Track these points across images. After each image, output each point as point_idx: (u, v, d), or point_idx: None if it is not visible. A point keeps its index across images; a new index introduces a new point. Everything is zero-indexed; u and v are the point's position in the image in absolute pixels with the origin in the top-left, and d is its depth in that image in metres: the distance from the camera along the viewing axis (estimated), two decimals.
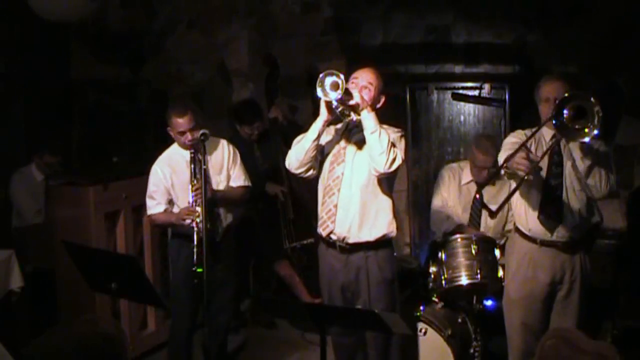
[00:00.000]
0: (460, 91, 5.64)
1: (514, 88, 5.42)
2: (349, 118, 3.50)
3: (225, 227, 4.15)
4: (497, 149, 4.09)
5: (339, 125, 3.66)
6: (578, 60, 5.47)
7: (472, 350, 4.08)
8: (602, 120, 3.11)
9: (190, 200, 3.90)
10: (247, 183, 4.25)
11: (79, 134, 6.59)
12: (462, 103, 5.66)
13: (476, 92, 5.59)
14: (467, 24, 5.76)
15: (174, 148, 4.12)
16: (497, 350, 4.17)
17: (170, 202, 4.10)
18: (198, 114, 4.05)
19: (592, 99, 3.13)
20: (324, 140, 3.60)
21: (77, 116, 6.59)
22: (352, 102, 3.37)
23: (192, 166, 3.92)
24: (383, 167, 3.38)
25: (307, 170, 3.59)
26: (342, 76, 3.24)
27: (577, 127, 3.18)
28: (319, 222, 3.64)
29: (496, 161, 4.23)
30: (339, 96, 3.25)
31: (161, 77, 6.50)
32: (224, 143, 4.20)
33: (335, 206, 3.57)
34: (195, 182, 3.90)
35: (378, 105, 3.56)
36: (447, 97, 5.70)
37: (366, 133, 3.40)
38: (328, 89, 3.26)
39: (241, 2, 6.26)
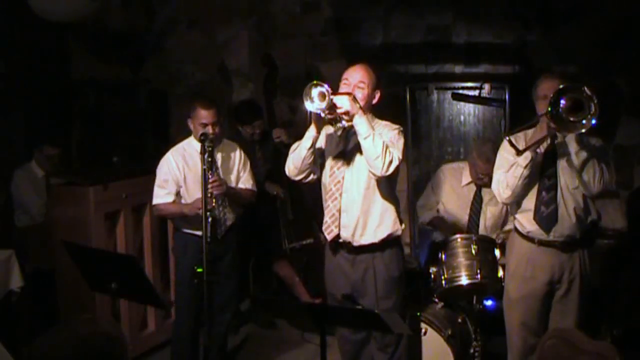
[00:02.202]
0: (460, 91, 5.64)
1: (514, 88, 5.42)
2: (341, 125, 3.49)
3: (228, 227, 4.17)
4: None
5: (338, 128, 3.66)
6: (578, 60, 5.47)
7: (472, 350, 4.09)
8: (598, 111, 3.13)
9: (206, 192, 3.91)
10: (254, 188, 4.33)
11: (79, 134, 6.59)
12: (462, 103, 5.66)
13: (476, 92, 5.59)
14: (467, 24, 5.76)
15: (188, 141, 4.17)
16: (497, 350, 4.17)
17: (177, 194, 4.12)
18: (222, 117, 4.12)
19: (586, 90, 3.15)
20: (323, 143, 3.60)
21: (77, 116, 6.59)
22: (342, 110, 3.36)
23: (209, 159, 3.90)
24: (380, 171, 3.37)
25: (307, 177, 3.61)
26: (326, 86, 3.26)
27: (573, 119, 3.20)
28: (324, 227, 3.65)
29: None
30: (325, 107, 3.27)
31: (161, 77, 6.50)
32: (237, 147, 4.29)
33: (339, 211, 3.57)
34: (210, 176, 3.90)
35: (374, 102, 3.55)
36: (447, 97, 5.70)
37: (360, 139, 3.38)
38: (316, 100, 3.28)
39: (241, 2, 6.26)
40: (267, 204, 5.23)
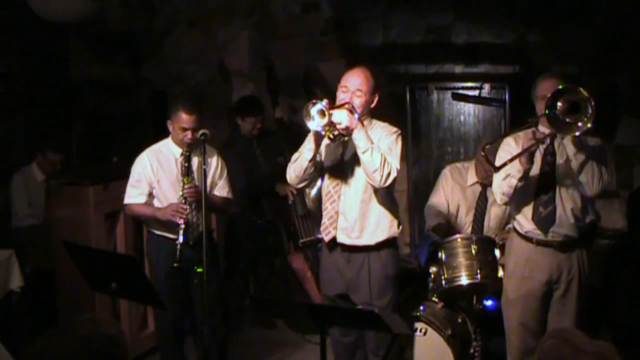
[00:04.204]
0: (460, 91, 5.64)
1: (514, 88, 5.42)
2: (340, 139, 3.50)
3: (200, 232, 4.01)
4: None
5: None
6: (578, 60, 5.47)
7: (472, 350, 4.08)
8: (595, 114, 3.13)
9: (180, 198, 3.90)
10: (230, 196, 4.23)
11: (79, 134, 6.59)
12: (462, 103, 5.66)
13: (476, 92, 5.58)
14: (467, 24, 5.76)
15: (165, 142, 4.08)
16: (497, 350, 4.17)
17: (150, 195, 4.05)
18: (202, 118, 4.05)
19: (584, 91, 3.16)
20: (323, 147, 3.60)
21: (77, 116, 6.58)
22: (341, 127, 3.36)
23: (186, 165, 3.91)
24: (378, 183, 3.41)
25: (309, 184, 3.67)
26: (324, 102, 3.27)
27: (569, 120, 3.20)
28: (321, 228, 3.67)
29: None
30: (325, 123, 3.27)
31: (161, 77, 6.50)
32: (215, 154, 4.18)
33: (337, 213, 3.60)
34: (186, 180, 3.89)
35: (372, 105, 3.56)
36: (447, 97, 5.70)
37: (358, 152, 3.40)
38: (317, 117, 3.29)
39: (241, 2, 6.26)
40: (271, 203, 5.25)
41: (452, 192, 4.57)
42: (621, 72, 5.45)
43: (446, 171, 4.66)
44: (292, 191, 5.13)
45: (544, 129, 3.52)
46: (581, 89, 3.19)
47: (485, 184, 4.48)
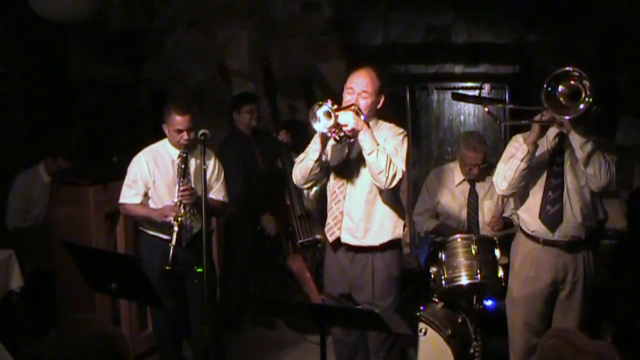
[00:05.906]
0: (460, 91, 5.63)
1: (514, 88, 5.41)
2: (346, 141, 3.51)
3: (194, 234, 4.02)
4: (485, 145, 4.32)
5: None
6: (578, 60, 5.44)
7: (472, 350, 4.08)
8: (590, 101, 3.17)
9: (175, 199, 3.90)
10: (226, 200, 4.23)
11: (79, 134, 6.59)
12: (462, 103, 5.66)
13: (476, 92, 5.58)
14: (467, 24, 5.76)
15: (162, 144, 4.09)
16: (497, 350, 4.17)
17: (145, 196, 4.05)
18: (197, 117, 4.04)
19: (574, 72, 3.19)
20: (329, 148, 3.61)
21: (77, 116, 6.58)
22: (347, 129, 3.37)
23: (182, 166, 3.90)
24: (383, 185, 3.42)
25: (314, 184, 3.67)
26: (329, 105, 3.27)
27: (564, 102, 3.22)
28: (326, 228, 3.68)
29: (485, 157, 4.30)
30: (332, 124, 3.28)
31: (161, 77, 6.50)
32: (212, 156, 4.16)
33: (341, 213, 3.61)
34: (182, 182, 3.88)
35: (378, 106, 3.57)
36: (447, 97, 5.69)
37: (364, 153, 3.42)
38: (323, 119, 3.29)
39: (241, 2, 6.26)
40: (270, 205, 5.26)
41: (440, 194, 4.59)
42: (621, 72, 5.44)
43: (431, 175, 4.71)
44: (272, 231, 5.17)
45: (553, 130, 3.55)
46: (570, 70, 3.22)
47: (472, 179, 4.50)
